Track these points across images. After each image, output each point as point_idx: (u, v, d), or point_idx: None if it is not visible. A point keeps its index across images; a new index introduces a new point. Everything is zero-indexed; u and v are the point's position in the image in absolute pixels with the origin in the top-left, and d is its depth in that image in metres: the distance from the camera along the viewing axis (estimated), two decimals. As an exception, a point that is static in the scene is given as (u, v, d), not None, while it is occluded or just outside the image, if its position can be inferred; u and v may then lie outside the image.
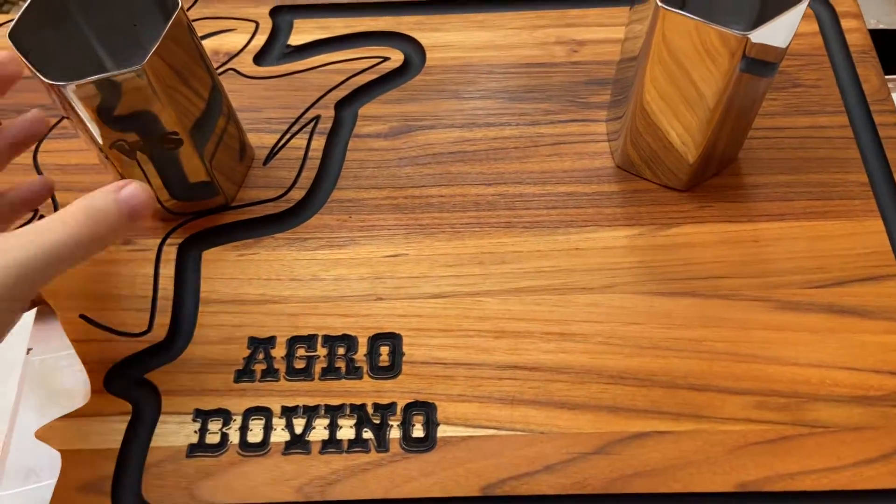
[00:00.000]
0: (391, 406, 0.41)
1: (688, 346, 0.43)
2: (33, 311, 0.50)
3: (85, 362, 0.43)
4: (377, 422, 0.41)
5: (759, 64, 0.40)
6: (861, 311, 0.43)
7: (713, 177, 0.48)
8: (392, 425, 0.41)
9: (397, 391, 0.42)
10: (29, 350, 0.50)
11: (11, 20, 0.35)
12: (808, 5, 0.54)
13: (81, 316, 0.45)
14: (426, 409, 0.41)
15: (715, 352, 0.42)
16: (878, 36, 0.72)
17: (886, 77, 0.55)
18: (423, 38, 0.55)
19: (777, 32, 0.39)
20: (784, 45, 0.41)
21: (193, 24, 0.55)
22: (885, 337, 0.42)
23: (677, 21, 0.39)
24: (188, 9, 0.56)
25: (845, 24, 0.53)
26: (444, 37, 0.55)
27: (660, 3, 0.38)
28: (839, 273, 0.44)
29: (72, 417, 0.41)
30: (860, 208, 0.46)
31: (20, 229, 0.34)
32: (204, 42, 0.54)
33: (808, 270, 0.45)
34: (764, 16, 0.43)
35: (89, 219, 0.34)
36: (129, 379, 0.43)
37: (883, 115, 0.49)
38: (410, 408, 0.41)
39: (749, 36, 0.38)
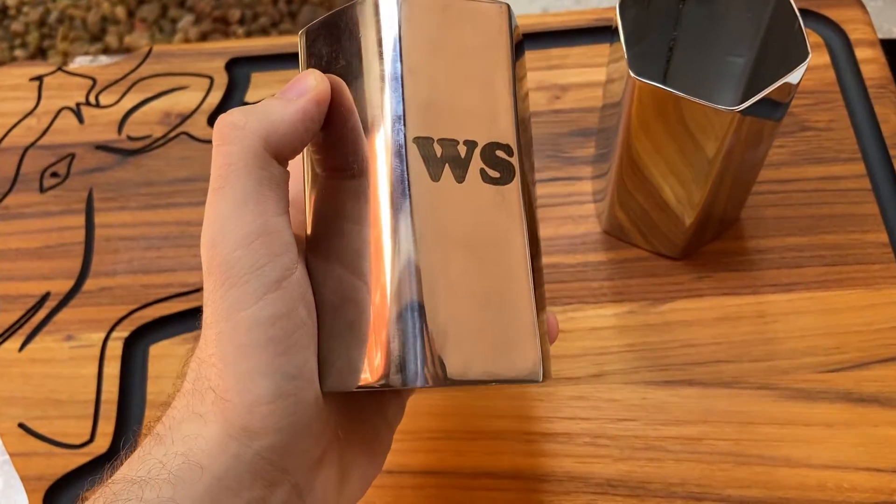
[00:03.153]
0: (353, 526, 0.37)
1: (686, 447, 0.38)
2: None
3: (24, 479, 0.40)
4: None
5: (766, 105, 0.35)
6: (882, 399, 0.38)
7: (712, 241, 0.43)
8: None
9: (361, 506, 0.38)
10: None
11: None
12: (818, 31, 0.48)
13: (20, 425, 0.41)
14: (392, 528, 0.37)
15: (716, 452, 0.38)
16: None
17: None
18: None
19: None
20: (795, 82, 0.35)
21: (144, 82, 0.51)
22: (910, 431, 0.37)
23: (653, 92, 0.34)
24: (138, 66, 0.52)
25: (860, 53, 0.47)
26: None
27: (632, 74, 0.33)
28: (857, 353, 0.39)
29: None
30: (880, 274, 0.41)
31: None
32: (154, 103, 0.50)
33: (821, 351, 0.39)
34: (770, 35, 0.38)
35: None
36: (71, 498, 0.39)
37: (904, 162, 0.44)
38: (375, 527, 0.37)
39: (738, 111, 0.32)
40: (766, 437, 0.38)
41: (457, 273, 0.25)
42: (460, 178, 0.26)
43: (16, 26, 1.45)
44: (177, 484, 0.23)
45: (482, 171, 0.26)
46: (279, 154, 0.26)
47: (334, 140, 0.27)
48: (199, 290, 0.44)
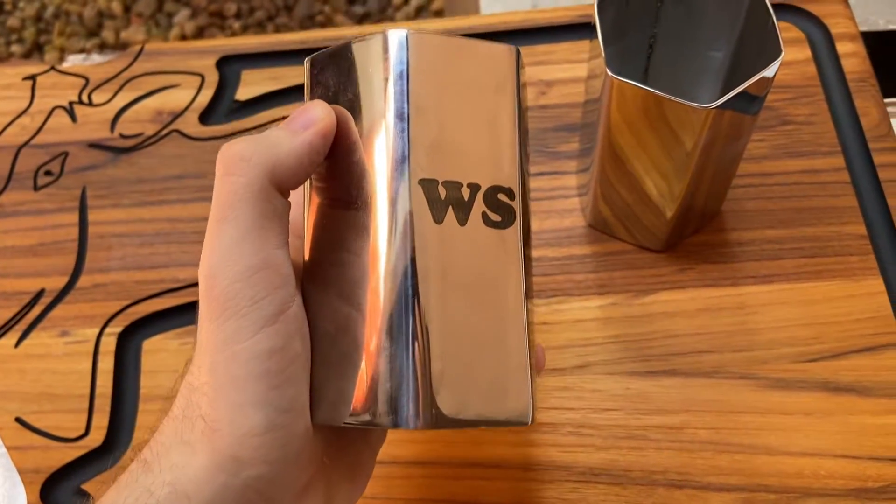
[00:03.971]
0: (343, 515, 0.38)
1: (667, 436, 0.39)
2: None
3: (21, 471, 0.41)
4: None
5: (742, 99, 0.35)
6: (859, 389, 0.39)
7: (694, 234, 0.44)
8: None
9: (350, 496, 0.39)
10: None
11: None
12: (799, 25, 0.49)
13: (17, 419, 0.42)
14: (381, 517, 0.38)
15: (697, 441, 0.38)
16: (887, 38, 0.66)
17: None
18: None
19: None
20: (770, 76, 0.36)
21: (136, 80, 0.52)
22: (884, 418, 0.38)
23: (630, 89, 0.34)
24: (130, 64, 0.52)
25: (841, 47, 0.48)
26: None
27: (609, 73, 0.34)
28: (835, 343, 0.40)
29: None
30: (858, 266, 0.42)
31: None
32: (146, 101, 0.51)
33: (799, 341, 0.40)
34: (746, 31, 0.38)
35: None
36: (67, 490, 0.40)
37: (883, 155, 0.44)
38: (364, 516, 0.38)
39: (712, 107, 0.33)
40: (746, 425, 0.39)
41: (454, 315, 0.26)
42: (462, 221, 0.26)
43: (12, 22, 1.46)
44: None
45: (484, 215, 0.27)
46: (283, 186, 0.26)
47: (338, 171, 0.27)
48: (190, 285, 0.45)
